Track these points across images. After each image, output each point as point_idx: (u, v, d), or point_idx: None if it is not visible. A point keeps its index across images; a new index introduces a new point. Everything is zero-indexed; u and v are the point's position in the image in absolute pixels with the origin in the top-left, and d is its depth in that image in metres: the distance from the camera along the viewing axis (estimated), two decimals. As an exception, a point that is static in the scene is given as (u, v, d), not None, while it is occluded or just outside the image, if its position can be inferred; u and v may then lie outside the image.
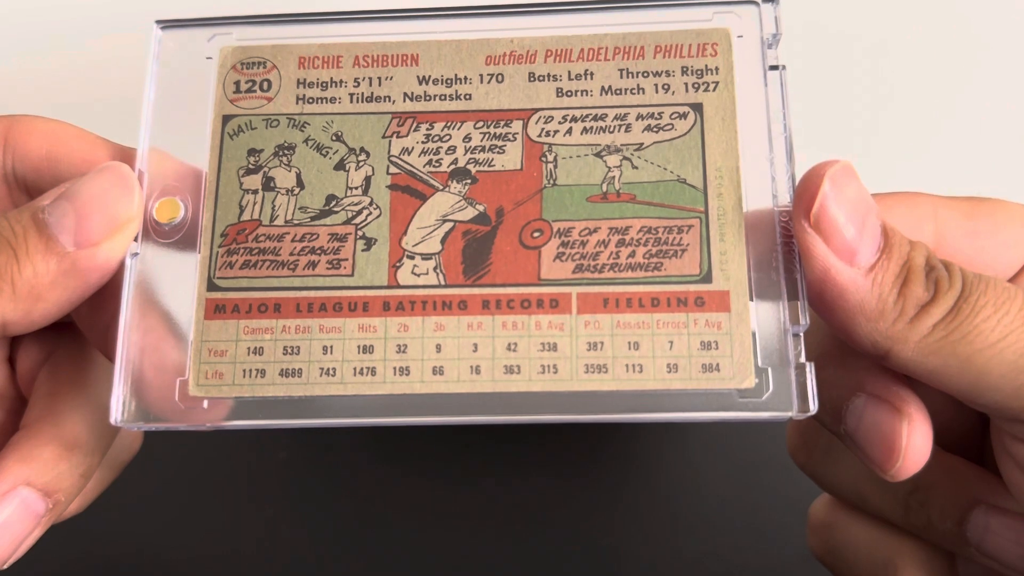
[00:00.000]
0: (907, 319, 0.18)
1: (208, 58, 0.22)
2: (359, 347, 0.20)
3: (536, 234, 0.20)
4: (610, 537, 0.31)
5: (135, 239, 0.20)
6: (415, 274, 0.20)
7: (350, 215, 0.21)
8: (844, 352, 0.21)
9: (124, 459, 0.24)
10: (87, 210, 0.19)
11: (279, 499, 0.31)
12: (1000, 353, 0.18)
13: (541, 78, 0.21)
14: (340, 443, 0.32)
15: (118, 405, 0.19)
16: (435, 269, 0.20)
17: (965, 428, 0.23)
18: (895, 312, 0.18)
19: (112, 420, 0.19)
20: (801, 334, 0.19)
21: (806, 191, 0.19)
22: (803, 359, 0.19)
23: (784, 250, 0.20)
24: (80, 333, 0.22)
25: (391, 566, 0.30)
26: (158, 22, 0.22)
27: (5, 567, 0.20)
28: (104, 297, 0.20)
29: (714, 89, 0.21)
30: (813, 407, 0.19)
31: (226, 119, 0.22)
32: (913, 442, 0.19)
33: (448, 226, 0.21)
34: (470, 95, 0.21)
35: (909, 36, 0.36)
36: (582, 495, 0.31)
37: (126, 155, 0.22)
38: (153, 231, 0.21)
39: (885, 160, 0.34)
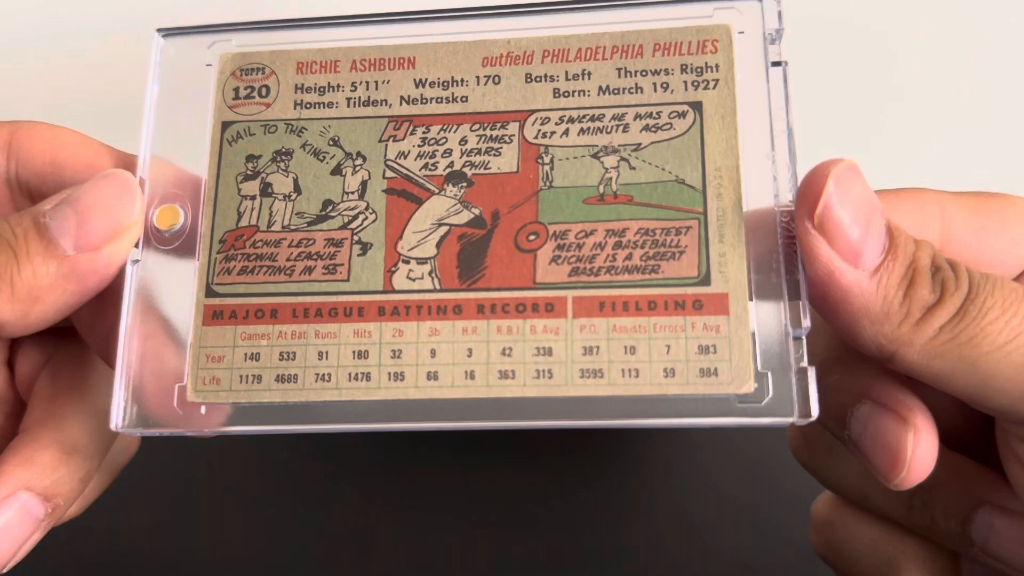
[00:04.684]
0: (913, 321, 0.17)
1: (208, 65, 0.21)
2: (354, 352, 0.18)
3: (532, 237, 0.19)
4: (612, 535, 0.29)
5: (136, 246, 0.19)
6: (410, 278, 0.19)
7: (346, 220, 0.19)
8: (850, 356, 0.19)
9: (121, 462, 0.23)
10: (88, 215, 0.18)
11: (279, 499, 0.30)
12: (1008, 356, 0.17)
13: (538, 79, 0.20)
14: (341, 443, 0.31)
15: (118, 411, 0.18)
16: (430, 273, 0.19)
17: (970, 427, 0.21)
18: (900, 314, 0.17)
19: (112, 426, 0.18)
20: (803, 337, 0.18)
21: (810, 191, 0.17)
22: (804, 363, 0.17)
23: (786, 251, 0.18)
24: (79, 338, 0.21)
25: (392, 566, 0.29)
26: (159, 30, 0.21)
27: (4, 571, 0.19)
28: (105, 303, 0.19)
29: (714, 87, 0.19)
30: (814, 413, 0.17)
31: (225, 125, 0.20)
32: (918, 453, 0.17)
33: (444, 230, 0.19)
34: (466, 97, 0.20)
35: (913, 30, 0.34)
36: (583, 494, 0.30)
37: (128, 162, 0.21)
38: (154, 238, 0.20)
39: (890, 157, 0.32)
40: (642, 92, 0.19)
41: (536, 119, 0.20)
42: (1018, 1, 0.34)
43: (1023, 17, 0.34)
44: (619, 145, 0.19)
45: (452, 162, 0.19)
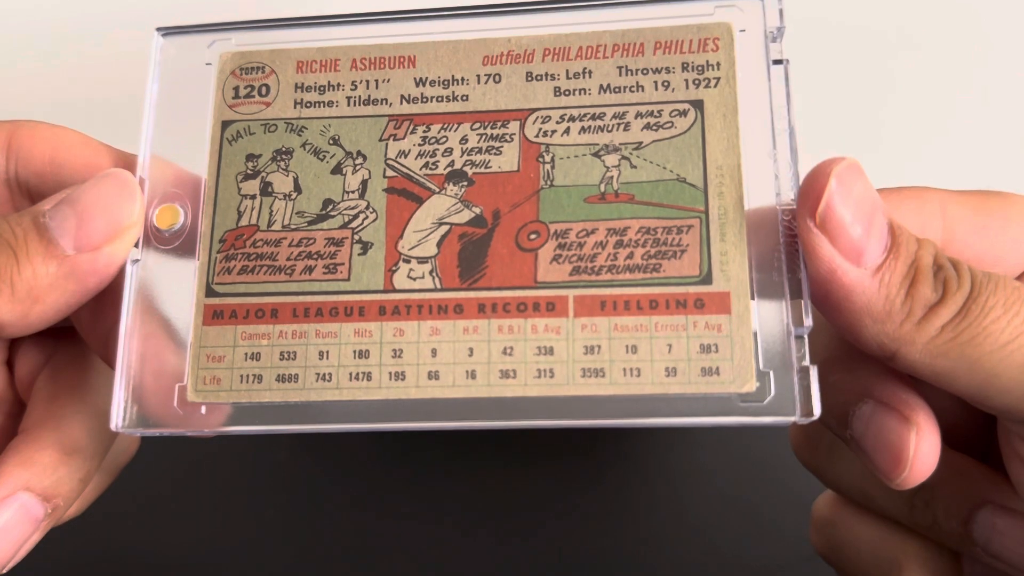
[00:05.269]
0: (915, 320, 0.17)
1: (208, 64, 0.21)
2: (355, 352, 0.18)
3: (533, 236, 0.19)
4: (613, 535, 0.29)
5: (136, 246, 0.19)
6: (411, 278, 0.19)
7: (347, 219, 0.19)
8: (852, 355, 0.19)
9: (121, 463, 0.23)
10: (88, 215, 0.18)
11: (279, 499, 0.30)
12: (1010, 355, 0.17)
13: (539, 77, 0.20)
14: (340, 442, 0.31)
15: (118, 411, 0.18)
16: (431, 273, 0.19)
17: (972, 426, 0.21)
18: (902, 313, 0.17)
19: (113, 426, 0.18)
20: (805, 336, 0.18)
21: (812, 190, 0.17)
22: (806, 362, 0.17)
23: (787, 250, 0.18)
24: (79, 338, 0.21)
25: (392, 567, 0.29)
26: (159, 29, 0.21)
27: (4, 571, 0.19)
28: (105, 303, 0.19)
29: (715, 85, 0.19)
30: (816, 412, 0.17)
31: (225, 125, 0.20)
32: (921, 452, 0.17)
33: (444, 229, 0.19)
34: (467, 96, 0.20)
35: (915, 28, 0.34)
36: (584, 494, 0.30)
37: (128, 162, 0.20)
38: (154, 238, 0.19)
39: (892, 155, 0.32)
40: (643, 90, 0.19)
41: (537, 118, 0.19)
42: (1018, 1, 0.34)
43: (1023, 17, 0.34)
44: (620, 144, 0.19)
45: (453, 161, 0.19)
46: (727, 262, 0.18)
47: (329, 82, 0.20)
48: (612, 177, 0.19)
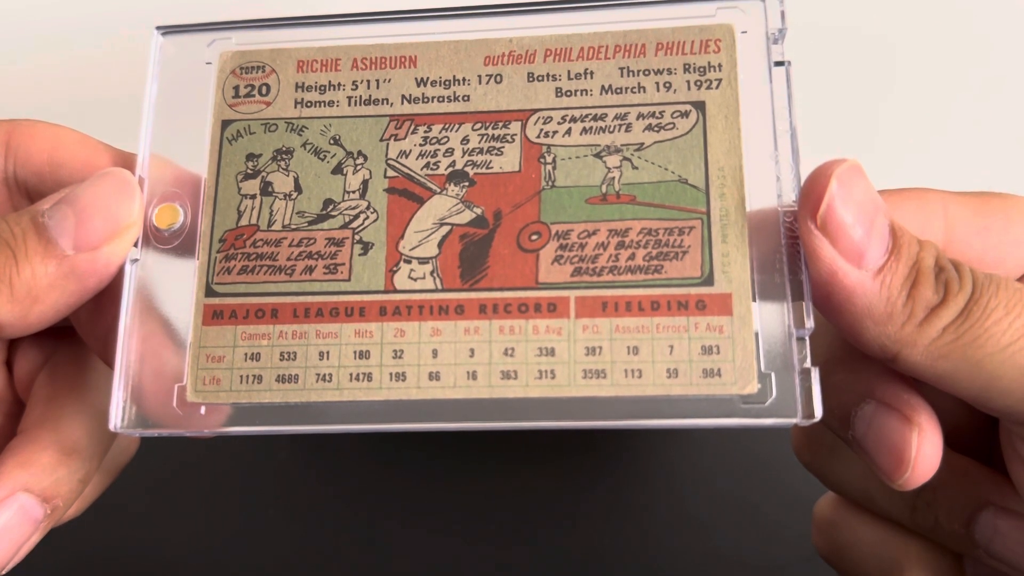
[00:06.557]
0: (916, 322, 0.17)
1: (208, 63, 0.20)
2: (355, 352, 0.18)
3: (534, 237, 0.19)
4: (614, 536, 0.29)
5: (135, 245, 0.19)
6: (412, 278, 0.19)
7: (347, 219, 0.19)
8: (853, 356, 0.19)
9: (121, 463, 0.22)
10: (87, 214, 0.18)
11: (279, 499, 0.30)
12: (1012, 357, 0.17)
13: (540, 78, 0.20)
14: (340, 442, 0.31)
15: (117, 411, 0.18)
16: (432, 273, 0.19)
17: (973, 428, 0.21)
18: (904, 315, 0.17)
19: (111, 426, 0.18)
20: (806, 338, 0.17)
21: (813, 191, 0.17)
22: (808, 364, 0.17)
23: (789, 251, 0.18)
24: (78, 338, 0.21)
25: (392, 567, 0.29)
26: (159, 28, 0.21)
27: (4, 572, 0.19)
28: (104, 303, 0.19)
29: (717, 87, 0.19)
30: (818, 413, 0.17)
31: (225, 124, 0.20)
32: (923, 452, 0.17)
33: (445, 229, 0.19)
34: (468, 96, 0.20)
35: (916, 30, 0.34)
36: (585, 495, 0.30)
37: (127, 161, 0.20)
38: (153, 237, 0.19)
39: (893, 157, 0.32)
40: (645, 91, 0.19)
41: (538, 118, 0.19)
42: (1018, 1, 0.34)
43: (1022, 17, 0.34)
44: (622, 145, 0.19)
45: (454, 161, 0.19)
46: (729, 263, 0.18)
47: (330, 82, 0.20)
48: (614, 178, 0.19)
